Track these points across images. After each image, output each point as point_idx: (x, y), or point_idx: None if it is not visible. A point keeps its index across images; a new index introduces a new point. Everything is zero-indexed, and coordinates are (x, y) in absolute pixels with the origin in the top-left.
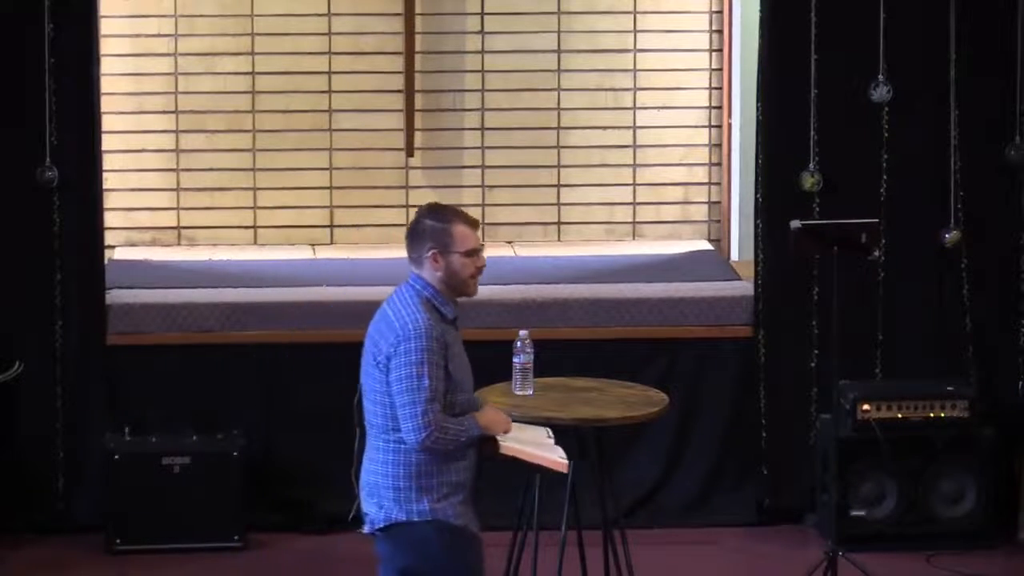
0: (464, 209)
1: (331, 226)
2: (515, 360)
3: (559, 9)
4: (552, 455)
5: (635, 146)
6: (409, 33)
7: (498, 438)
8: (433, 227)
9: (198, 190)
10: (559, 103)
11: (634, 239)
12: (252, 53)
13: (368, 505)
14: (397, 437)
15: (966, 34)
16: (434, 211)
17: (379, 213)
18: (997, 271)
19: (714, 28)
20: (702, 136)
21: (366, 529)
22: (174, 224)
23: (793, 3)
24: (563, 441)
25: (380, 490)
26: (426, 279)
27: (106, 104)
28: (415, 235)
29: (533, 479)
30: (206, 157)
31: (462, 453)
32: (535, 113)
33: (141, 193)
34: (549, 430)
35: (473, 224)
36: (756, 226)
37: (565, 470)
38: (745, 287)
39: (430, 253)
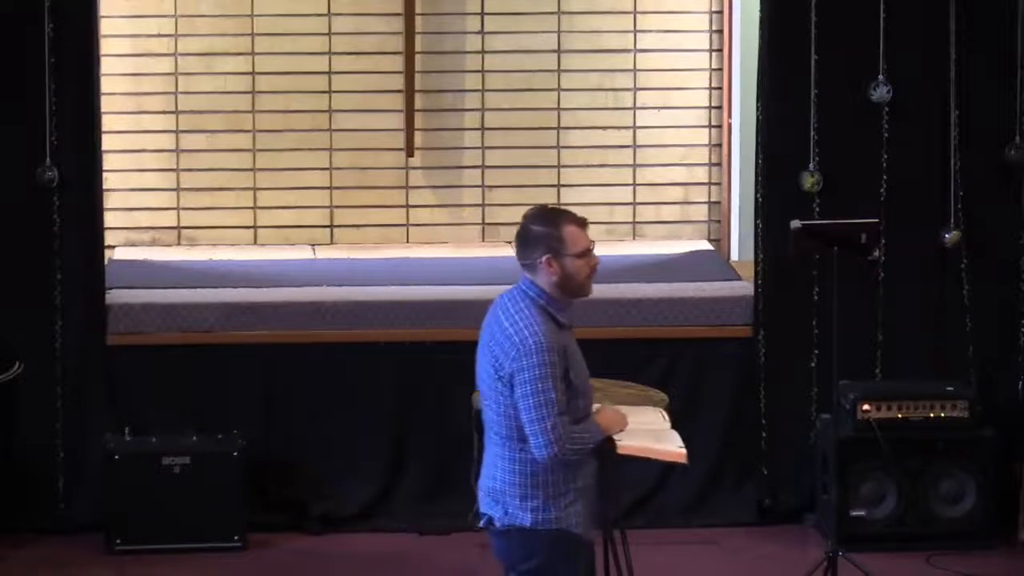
0: (568, 210)
1: (331, 226)
2: None
3: (559, 9)
4: (670, 446)
5: (635, 146)
6: (409, 33)
7: (615, 437)
8: (543, 232)
9: (198, 190)
10: (559, 103)
11: (634, 239)
12: (252, 53)
13: (490, 507)
14: (522, 447)
15: (966, 34)
16: (542, 215)
17: (379, 213)
18: (997, 271)
19: (714, 28)
20: (702, 136)
21: (482, 523)
22: (174, 224)
23: (793, 3)
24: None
25: (505, 496)
26: (540, 285)
27: (106, 104)
28: (525, 241)
29: None
30: (206, 157)
31: (586, 458)
32: (535, 113)
33: (141, 193)
34: (663, 411)
35: (582, 223)
36: (756, 226)
37: (685, 460)
38: (745, 287)
39: (543, 259)
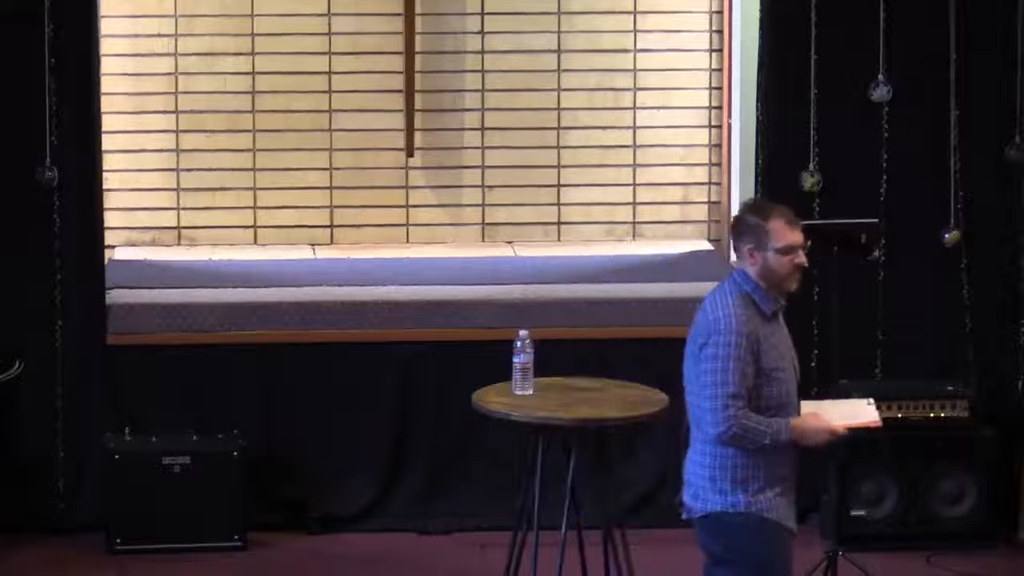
0: (783, 206)
1: (331, 226)
2: (515, 360)
3: (559, 9)
4: (864, 419)
5: (635, 146)
6: (409, 33)
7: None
8: (752, 223)
9: (198, 190)
10: (559, 103)
11: (634, 239)
12: (252, 53)
13: (689, 496)
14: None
15: (966, 34)
16: (754, 207)
17: (379, 213)
18: (997, 271)
19: (714, 28)
20: (702, 136)
21: (684, 515)
22: (174, 224)
23: (793, 3)
24: (560, 441)
25: (698, 480)
26: (748, 274)
27: (106, 104)
28: (737, 230)
29: (533, 479)
30: (206, 157)
31: (781, 447)
32: (535, 113)
33: (141, 193)
34: (871, 400)
35: (791, 221)
36: None
37: (878, 424)
38: None
39: (747, 249)
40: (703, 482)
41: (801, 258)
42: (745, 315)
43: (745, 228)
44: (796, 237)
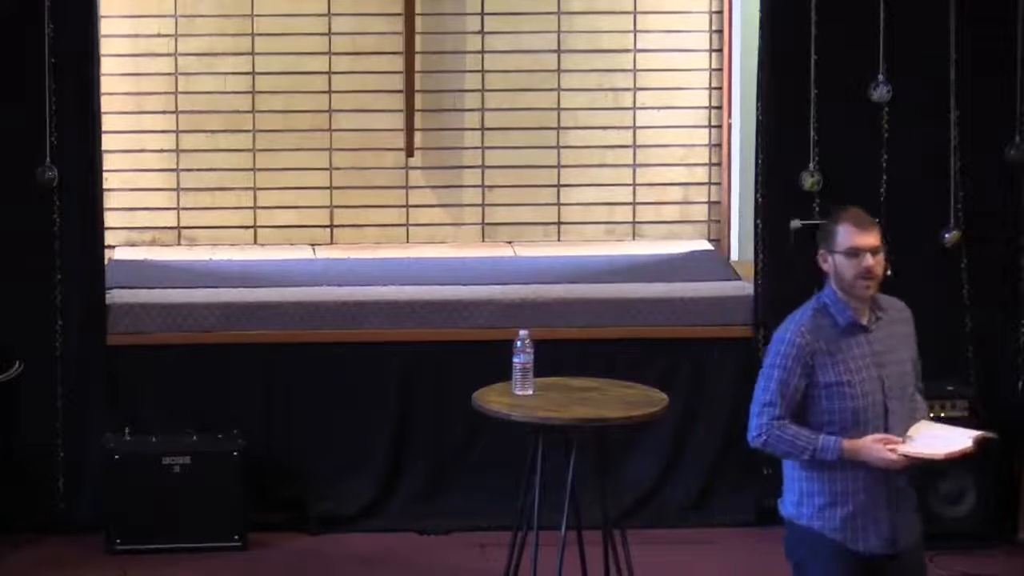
0: (857, 209)
1: (331, 226)
2: (515, 360)
3: (559, 9)
4: (955, 448)
5: (635, 146)
6: (409, 33)
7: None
8: (825, 226)
9: (198, 190)
10: (559, 103)
11: (634, 239)
12: (252, 53)
13: (781, 499)
14: None
15: (966, 34)
16: (833, 211)
17: (379, 213)
18: (997, 271)
19: (714, 28)
20: (702, 136)
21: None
22: (174, 224)
23: (793, 3)
24: (561, 441)
25: (784, 480)
26: (829, 283)
27: (106, 104)
28: (817, 236)
29: (533, 479)
30: (206, 157)
31: (841, 463)
32: (535, 113)
33: (141, 193)
34: (978, 434)
35: (861, 224)
36: (756, 226)
37: (967, 450)
38: (745, 287)
39: (820, 253)
40: (784, 488)
41: (868, 261)
42: (809, 327)
43: (821, 232)
44: (863, 240)
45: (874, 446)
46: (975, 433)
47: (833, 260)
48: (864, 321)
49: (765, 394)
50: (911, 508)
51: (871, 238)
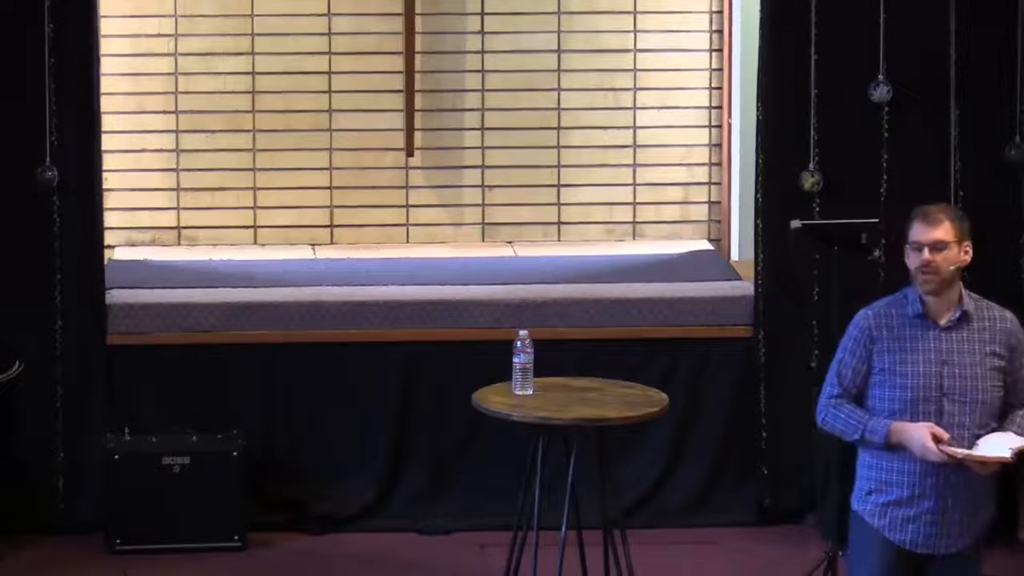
0: (935, 205)
1: (331, 226)
2: (515, 360)
3: (559, 9)
4: (992, 454)
5: (635, 146)
6: (409, 33)
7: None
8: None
9: (198, 190)
10: (559, 103)
11: (634, 239)
12: (252, 53)
13: None
14: None
15: (966, 34)
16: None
17: (379, 213)
18: (997, 271)
19: (714, 28)
20: (702, 136)
21: None
22: (174, 224)
23: (793, 3)
24: (561, 441)
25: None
26: None
27: (106, 104)
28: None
29: (533, 479)
30: (206, 157)
31: (889, 451)
32: (535, 113)
33: (141, 193)
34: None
35: (928, 218)
36: (756, 226)
37: (1008, 459)
38: (745, 287)
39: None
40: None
41: (925, 255)
42: (878, 312)
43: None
44: (925, 234)
45: (917, 432)
46: (1018, 444)
47: (905, 251)
48: (939, 317)
49: (830, 373)
50: (968, 512)
51: (933, 233)
